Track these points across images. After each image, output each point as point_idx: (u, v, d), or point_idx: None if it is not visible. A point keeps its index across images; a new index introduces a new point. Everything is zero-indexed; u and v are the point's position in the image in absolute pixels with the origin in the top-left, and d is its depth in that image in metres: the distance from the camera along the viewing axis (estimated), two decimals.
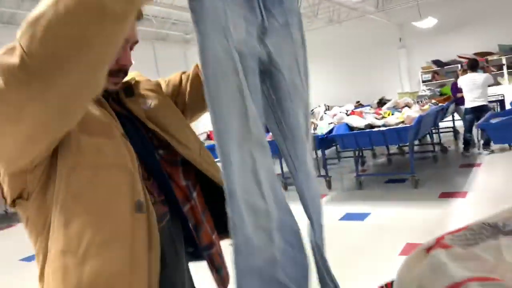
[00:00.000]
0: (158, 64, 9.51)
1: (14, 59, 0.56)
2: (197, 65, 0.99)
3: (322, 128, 5.42)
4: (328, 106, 9.45)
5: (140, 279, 0.70)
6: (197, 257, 0.99)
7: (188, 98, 1.02)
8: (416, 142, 7.18)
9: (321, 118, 6.13)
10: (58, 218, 0.70)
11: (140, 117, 0.89)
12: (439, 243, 0.69)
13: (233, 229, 0.65)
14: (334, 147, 6.94)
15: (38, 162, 0.71)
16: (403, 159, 6.44)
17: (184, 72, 1.07)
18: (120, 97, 0.90)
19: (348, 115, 5.85)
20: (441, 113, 6.10)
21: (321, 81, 11.41)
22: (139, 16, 0.88)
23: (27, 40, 0.56)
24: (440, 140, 6.75)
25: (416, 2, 8.86)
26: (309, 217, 0.88)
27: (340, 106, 6.92)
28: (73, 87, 0.61)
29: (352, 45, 10.83)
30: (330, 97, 10.52)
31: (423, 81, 10.08)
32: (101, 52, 0.61)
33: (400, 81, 10.59)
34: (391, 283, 0.72)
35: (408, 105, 5.94)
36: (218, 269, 0.97)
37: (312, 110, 7.25)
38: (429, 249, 0.69)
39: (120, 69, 0.86)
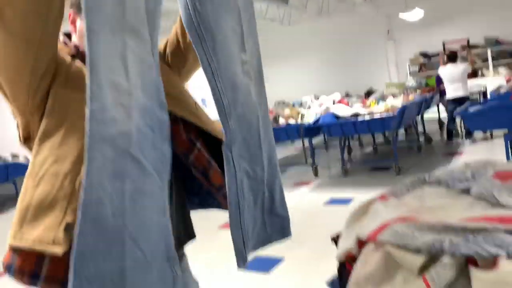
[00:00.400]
0: None
1: None
2: (180, 20, 1.01)
3: (309, 117, 5.54)
4: (317, 96, 9.60)
5: (75, 209, 0.80)
6: (208, 204, 1.08)
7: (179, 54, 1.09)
8: (403, 132, 7.35)
9: (309, 107, 6.25)
10: (33, 150, 0.87)
11: None
12: (380, 197, 0.81)
13: (90, 97, 0.71)
14: (323, 137, 7.06)
15: (36, 102, 0.84)
16: (388, 148, 6.60)
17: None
18: None
19: (335, 104, 5.99)
20: (425, 104, 6.25)
21: (311, 72, 11.52)
22: None
23: None
24: (424, 130, 6.91)
25: None
26: (230, 132, 0.90)
27: (328, 96, 7.04)
28: (23, 17, 0.73)
29: (342, 37, 10.93)
30: (319, 88, 10.65)
31: (411, 73, 10.23)
32: None
33: (388, 73, 10.74)
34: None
35: (394, 96, 6.09)
36: None
37: (301, 100, 7.38)
38: (372, 202, 0.81)
39: None
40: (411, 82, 7.72)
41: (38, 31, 0.77)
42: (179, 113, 0.96)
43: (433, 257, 0.62)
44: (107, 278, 0.70)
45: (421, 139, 6.53)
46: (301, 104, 7.38)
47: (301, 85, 11.18)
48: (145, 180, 0.77)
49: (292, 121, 5.61)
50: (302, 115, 5.65)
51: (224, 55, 0.89)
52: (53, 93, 0.85)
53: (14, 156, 6.94)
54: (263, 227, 1.00)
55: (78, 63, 0.92)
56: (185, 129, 0.99)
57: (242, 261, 0.95)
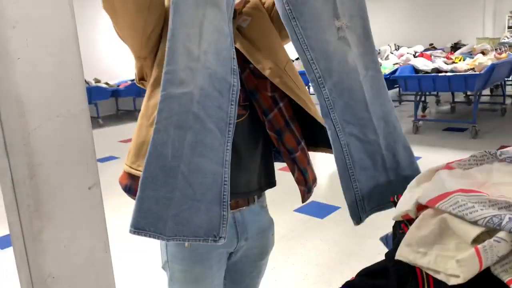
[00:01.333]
0: None
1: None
2: None
3: (386, 68, 5.30)
4: (398, 46, 9.02)
5: None
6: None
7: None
8: (487, 92, 6.79)
9: (387, 58, 5.96)
10: (146, 92, 0.97)
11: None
12: (446, 166, 0.81)
13: (166, 61, 0.82)
14: (397, 90, 6.76)
15: (147, 51, 0.94)
16: (467, 108, 6.18)
17: None
18: None
19: (416, 57, 5.64)
20: None
21: (392, 17, 10.73)
22: None
23: None
24: None
25: None
26: (326, 100, 0.91)
27: (409, 47, 6.62)
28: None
29: None
30: (400, 37, 9.98)
31: (509, 27, 9.20)
32: None
33: (483, 26, 9.72)
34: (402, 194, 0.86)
35: (484, 52, 5.57)
36: (303, 171, 1.09)
37: (379, 49, 7.00)
38: (437, 170, 0.82)
39: None
40: (508, 38, 6.96)
41: None
42: (264, 72, 0.99)
43: (489, 231, 0.64)
44: (159, 200, 0.86)
45: (508, 102, 6.01)
46: (379, 53, 7.02)
47: (380, 32, 10.52)
48: (206, 135, 0.86)
49: None
50: (380, 64, 5.41)
51: (314, 27, 0.89)
52: (162, 46, 0.92)
53: (97, 81, 7.50)
54: (388, 188, 1.00)
55: None
56: (271, 87, 1.01)
57: (356, 220, 1.01)
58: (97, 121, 6.92)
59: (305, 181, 1.10)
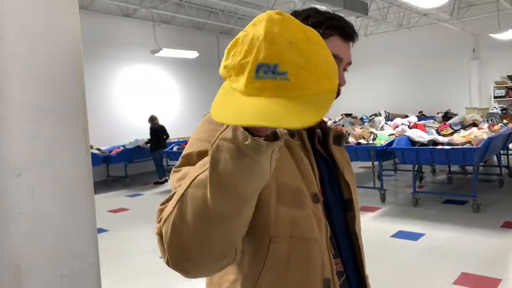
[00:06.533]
0: (220, 55, 9.73)
1: (163, 253, 0.63)
2: None
3: (382, 139, 5.31)
4: (389, 113, 9.19)
5: None
6: None
7: None
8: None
9: (382, 128, 6.00)
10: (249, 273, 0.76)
11: (340, 167, 0.88)
12: None
13: None
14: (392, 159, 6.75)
15: None
16: (464, 179, 6.15)
17: None
18: (327, 140, 0.89)
19: (410, 127, 5.69)
20: None
21: (383, 85, 11.08)
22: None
23: (164, 236, 0.61)
24: (508, 163, 6.35)
25: (496, 13, 8.35)
26: None
27: (403, 117, 6.72)
28: (214, 254, 0.63)
29: (420, 52, 10.40)
30: (391, 104, 10.24)
31: (495, 97, 9.50)
32: (223, 240, 0.61)
33: (469, 95, 10.04)
34: None
35: (475, 123, 5.65)
36: None
37: (372, 118, 7.09)
38: None
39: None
40: (496, 108, 7.13)
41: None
42: None
43: None
44: None
45: (503, 172, 6.00)
46: (369, 120, 7.10)
47: (371, 98, 10.81)
48: None
49: (362, 141, 5.40)
50: (375, 135, 5.43)
51: None
52: (274, 214, 0.76)
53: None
54: None
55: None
56: None
57: None
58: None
59: None
